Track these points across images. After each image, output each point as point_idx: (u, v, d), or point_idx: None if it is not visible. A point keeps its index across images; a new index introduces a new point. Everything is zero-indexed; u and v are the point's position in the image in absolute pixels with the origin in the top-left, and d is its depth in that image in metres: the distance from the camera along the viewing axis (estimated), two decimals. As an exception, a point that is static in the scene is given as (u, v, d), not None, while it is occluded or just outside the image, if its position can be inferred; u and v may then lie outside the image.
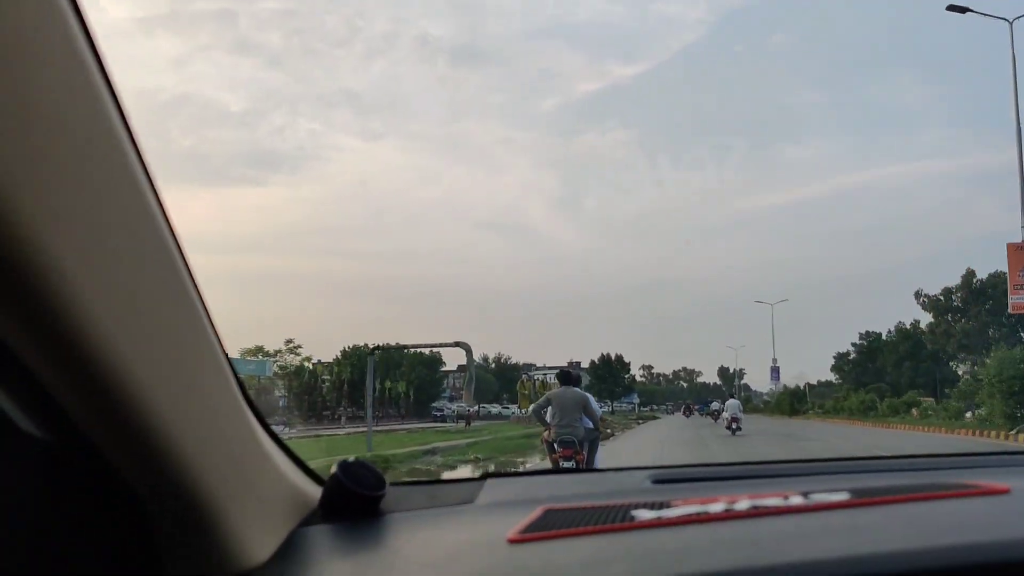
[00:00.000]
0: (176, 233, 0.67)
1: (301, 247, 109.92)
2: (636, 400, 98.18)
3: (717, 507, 0.86)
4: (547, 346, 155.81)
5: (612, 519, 0.85)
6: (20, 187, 0.49)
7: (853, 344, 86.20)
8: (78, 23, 0.54)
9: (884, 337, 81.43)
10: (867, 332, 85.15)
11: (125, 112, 0.59)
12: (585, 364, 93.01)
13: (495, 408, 78.38)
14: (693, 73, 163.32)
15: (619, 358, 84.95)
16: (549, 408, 8.36)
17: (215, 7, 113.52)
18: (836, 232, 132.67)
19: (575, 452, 8.00)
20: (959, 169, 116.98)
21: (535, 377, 64.01)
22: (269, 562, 0.84)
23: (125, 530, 0.76)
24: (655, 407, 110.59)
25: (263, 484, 0.88)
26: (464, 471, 14.90)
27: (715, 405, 48.38)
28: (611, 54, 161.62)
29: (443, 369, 78.28)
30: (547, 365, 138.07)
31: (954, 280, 65.12)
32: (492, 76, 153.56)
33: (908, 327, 77.27)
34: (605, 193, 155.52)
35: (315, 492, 1.03)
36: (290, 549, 0.89)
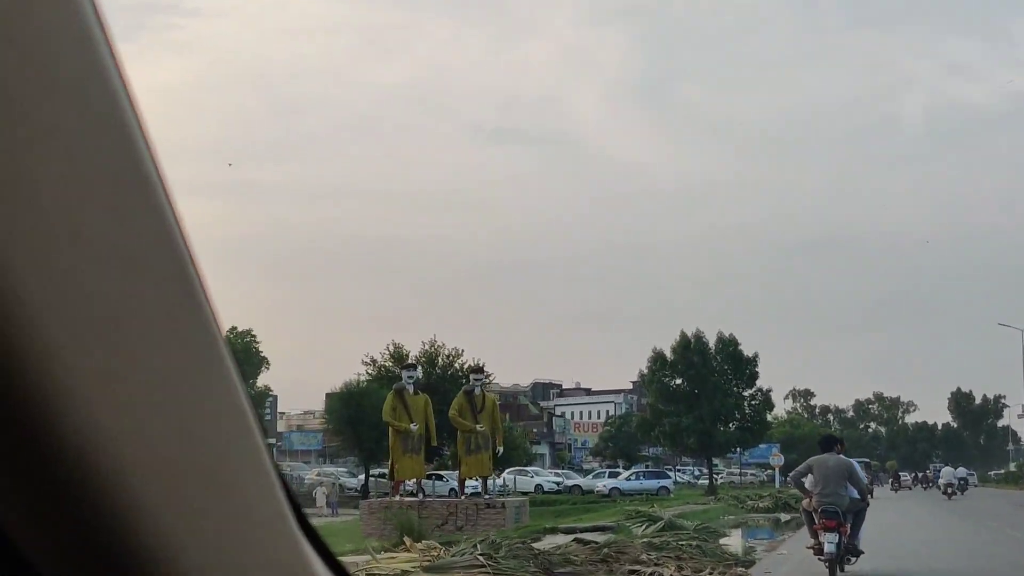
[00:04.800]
0: (201, 273, 0.56)
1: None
2: (777, 458, 46.77)
3: None
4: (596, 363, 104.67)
5: None
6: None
7: None
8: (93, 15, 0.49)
9: None
10: None
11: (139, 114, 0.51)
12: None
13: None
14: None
15: (731, 340, 38.39)
16: (810, 476, 8.76)
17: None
18: None
19: (839, 524, 8.39)
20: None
21: (493, 388, 20.67)
22: None
23: None
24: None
25: None
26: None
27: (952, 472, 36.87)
28: None
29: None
30: (595, 388, 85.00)
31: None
32: None
33: None
34: (713, 75, 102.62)
35: None
36: None
